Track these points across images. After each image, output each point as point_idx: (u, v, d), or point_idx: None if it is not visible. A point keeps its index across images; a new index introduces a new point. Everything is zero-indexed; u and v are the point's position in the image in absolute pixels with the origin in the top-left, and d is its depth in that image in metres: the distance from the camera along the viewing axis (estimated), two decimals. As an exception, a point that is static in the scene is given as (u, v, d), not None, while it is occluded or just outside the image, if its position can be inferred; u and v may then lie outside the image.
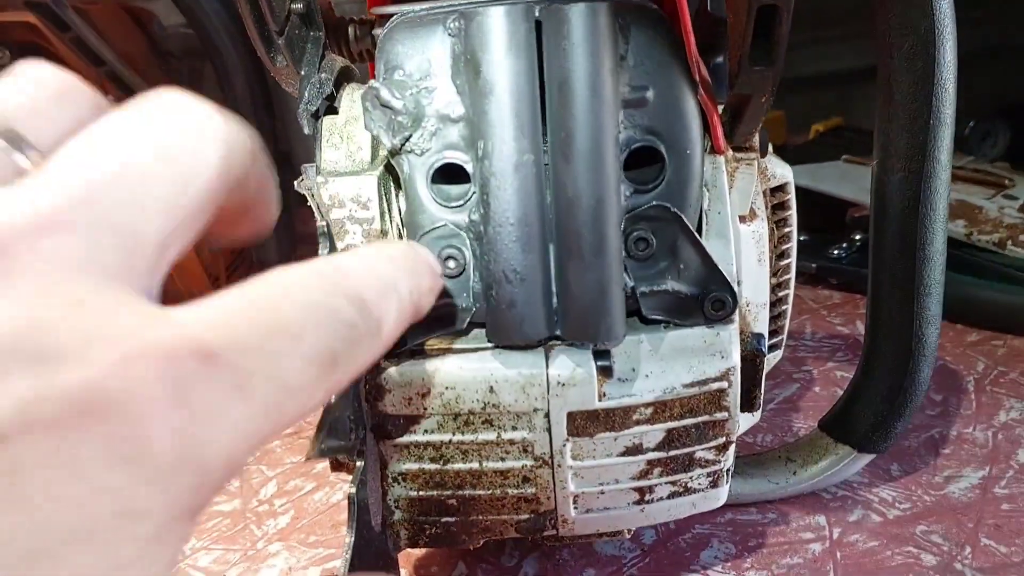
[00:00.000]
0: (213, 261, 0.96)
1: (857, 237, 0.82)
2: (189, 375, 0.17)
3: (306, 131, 0.40)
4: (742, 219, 0.41)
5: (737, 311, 0.36)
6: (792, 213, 0.50)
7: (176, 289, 0.89)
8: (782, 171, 0.49)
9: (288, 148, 1.51)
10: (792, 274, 0.51)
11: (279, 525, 0.53)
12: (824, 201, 0.87)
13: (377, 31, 0.42)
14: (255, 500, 0.55)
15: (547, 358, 0.36)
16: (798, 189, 0.50)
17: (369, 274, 0.23)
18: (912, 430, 0.55)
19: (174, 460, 0.16)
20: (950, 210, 0.77)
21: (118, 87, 0.83)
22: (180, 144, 0.19)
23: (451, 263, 0.34)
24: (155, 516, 0.16)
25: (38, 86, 0.21)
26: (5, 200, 0.17)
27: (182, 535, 0.17)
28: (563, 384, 0.36)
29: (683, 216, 0.34)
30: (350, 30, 0.51)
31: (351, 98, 0.39)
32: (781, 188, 0.49)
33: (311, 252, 0.33)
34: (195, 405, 0.17)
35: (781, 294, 0.50)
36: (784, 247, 0.50)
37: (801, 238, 0.86)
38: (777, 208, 0.49)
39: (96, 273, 0.17)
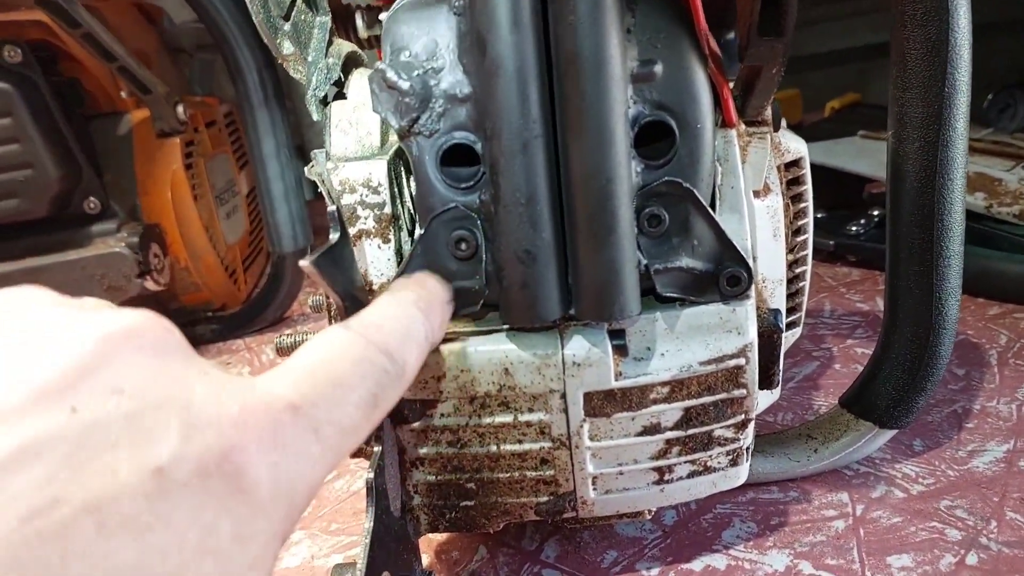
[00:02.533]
0: (230, 255, 0.96)
1: (875, 213, 0.82)
2: (283, 424, 0.22)
3: (315, 117, 0.39)
4: (756, 194, 0.40)
5: (753, 287, 0.36)
6: (807, 188, 0.49)
7: (194, 281, 0.90)
8: (796, 145, 0.48)
9: (301, 141, 1.52)
10: (809, 250, 0.50)
11: (300, 513, 0.53)
12: (841, 178, 0.86)
13: (383, 15, 0.42)
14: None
15: (562, 338, 0.35)
16: (814, 166, 0.50)
17: (392, 326, 0.28)
18: (935, 404, 0.55)
19: (274, 492, 0.21)
20: (969, 183, 0.77)
21: (131, 83, 0.83)
22: None
23: (463, 245, 0.34)
24: (260, 539, 0.20)
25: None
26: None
27: (276, 555, 0.22)
28: (579, 364, 0.35)
29: (695, 191, 0.34)
30: (358, 17, 0.51)
31: (359, 83, 0.39)
32: (796, 163, 0.48)
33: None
34: (287, 447, 0.22)
35: (798, 270, 0.50)
36: (800, 223, 0.49)
37: (818, 215, 0.86)
38: (792, 183, 0.48)
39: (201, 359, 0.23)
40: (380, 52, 0.49)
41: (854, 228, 0.81)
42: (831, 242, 0.81)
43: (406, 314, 0.30)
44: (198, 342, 0.91)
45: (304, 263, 0.31)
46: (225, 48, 0.85)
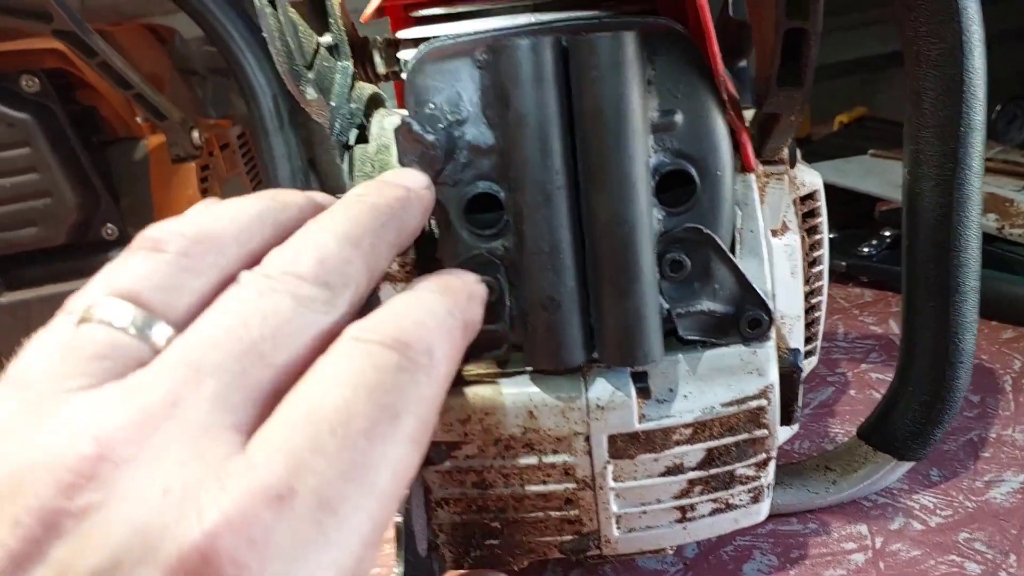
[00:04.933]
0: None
1: (887, 234, 0.82)
2: (266, 525, 0.18)
3: (339, 161, 0.40)
4: (774, 233, 0.41)
5: (773, 328, 0.36)
6: (823, 220, 0.50)
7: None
8: (811, 179, 0.49)
9: (313, 155, 1.52)
10: (825, 280, 0.51)
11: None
12: (851, 197, 0.86)
13: (402, 53, 0.42)
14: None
15: (585, 381, 0.36)
16: (825, 186, 0.50)
17: (399, 312, 0.25)
18: (950, 433, 0.55)
19: None
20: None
21: (146, 109, 0.84)
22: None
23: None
24: None
25: (164, 250, 0.23)
26: (118, 398, 0.19)
27: None
28: (602, 407, 0.36)
29: (716, 237, 0.34)
30: (375, 55, 0.51)
31: (380, 125, 0.40)
32: (811, 196, 0.49)
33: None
34: (281, 548, 0.18)
35: (814, 301, 0.50)
36: (815, 254, 0.50)
37: (830, 236, 0.86)
38: (807, 216, 0.49)
39: (188, 443, 0.19)
40: (397, 85, 0.50)
41: (866, 249, 0.81)
42: (843, 263, 0.81)
43: (416, 297, 0.26)
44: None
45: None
46: (239, 73, 0.85)
